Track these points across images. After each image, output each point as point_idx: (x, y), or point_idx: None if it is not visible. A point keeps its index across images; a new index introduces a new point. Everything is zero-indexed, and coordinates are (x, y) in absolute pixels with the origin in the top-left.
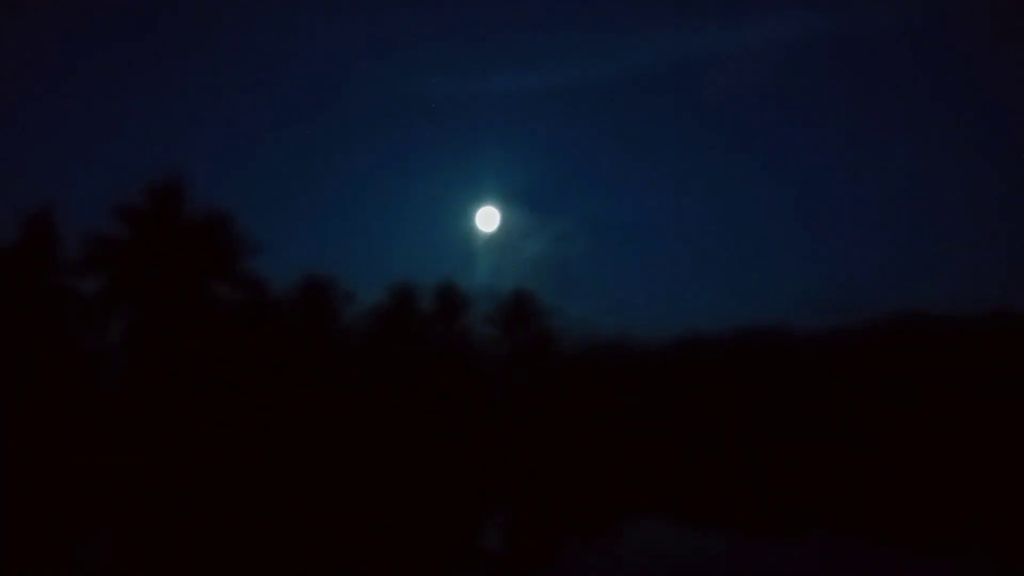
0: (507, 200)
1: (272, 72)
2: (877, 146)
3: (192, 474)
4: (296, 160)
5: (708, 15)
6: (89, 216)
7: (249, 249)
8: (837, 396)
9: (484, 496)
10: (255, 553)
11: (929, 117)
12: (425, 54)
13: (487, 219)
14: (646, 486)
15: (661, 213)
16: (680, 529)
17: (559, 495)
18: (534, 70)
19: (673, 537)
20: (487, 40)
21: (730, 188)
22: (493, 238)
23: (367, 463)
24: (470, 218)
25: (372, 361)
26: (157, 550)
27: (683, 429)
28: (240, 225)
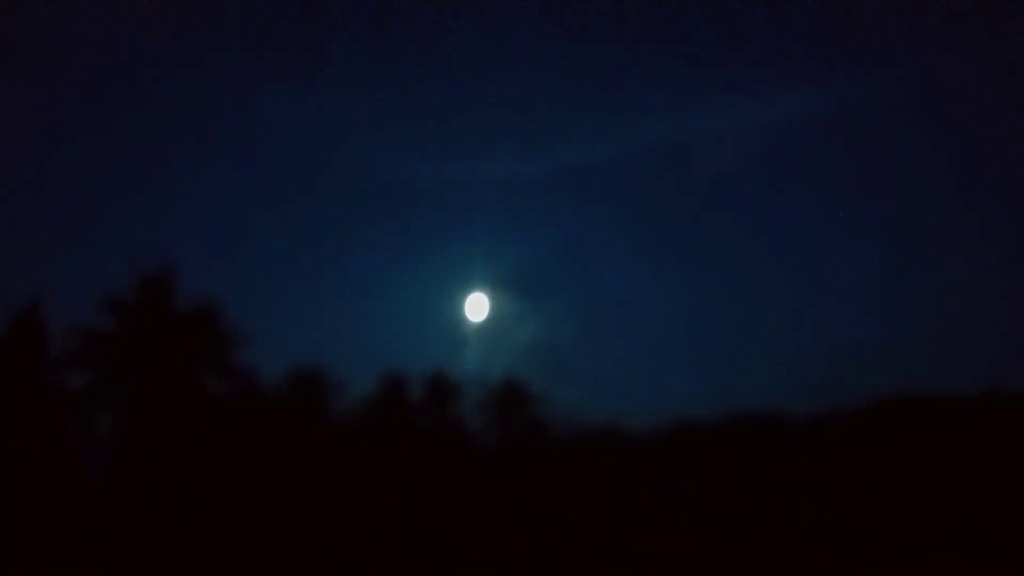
0: (497, 285)
1: (260, 158)
2: (869, 224)
3: (182, 566)
4: (284, 247)
5: (696, 97)
6: (74, 307)
7: (239, 340)
8: (833, 479)
9: None
10: None
11: (921, 196)
12: (413, 138)
13: (477, 305)
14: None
15: (652, 296)
16: None
17: None
18: (523, 155)
19: None
20: (476, 125)
21: (721, 270)
22: (483, 324)
23: (359, 551)
24: (460, 304)
25: (364, 450)
26: None
27: (676, 516)
28: (230, 316)
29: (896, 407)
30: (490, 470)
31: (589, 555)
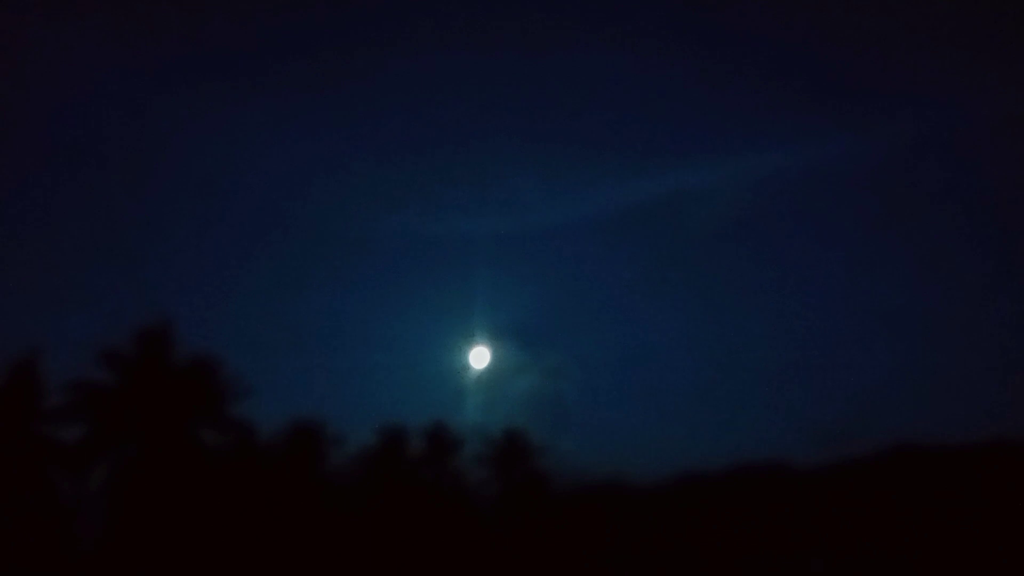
0: (497, 336)
1: (258, 211)
2: (870, 274)
3: None
4: (280, 301)
5: (689, 150)
6: (70, 360)
7: (237, 393)
8: (840, 528)
9: None
10: None
11: (923, 245)
12: (412, 194)
13: (477, 356)
14: None
15: (653, 346)
16: None
17: None
18: (521, 209)
19: None
20: (476, 181)
21: (721, 320)
22: (483, 375)
23: None
24: (460, 355)
25: (362, 504)
26: None
27: (682, 568)
28: (228, 369)
29: (903, 456)
30: (490, 524)
31: None
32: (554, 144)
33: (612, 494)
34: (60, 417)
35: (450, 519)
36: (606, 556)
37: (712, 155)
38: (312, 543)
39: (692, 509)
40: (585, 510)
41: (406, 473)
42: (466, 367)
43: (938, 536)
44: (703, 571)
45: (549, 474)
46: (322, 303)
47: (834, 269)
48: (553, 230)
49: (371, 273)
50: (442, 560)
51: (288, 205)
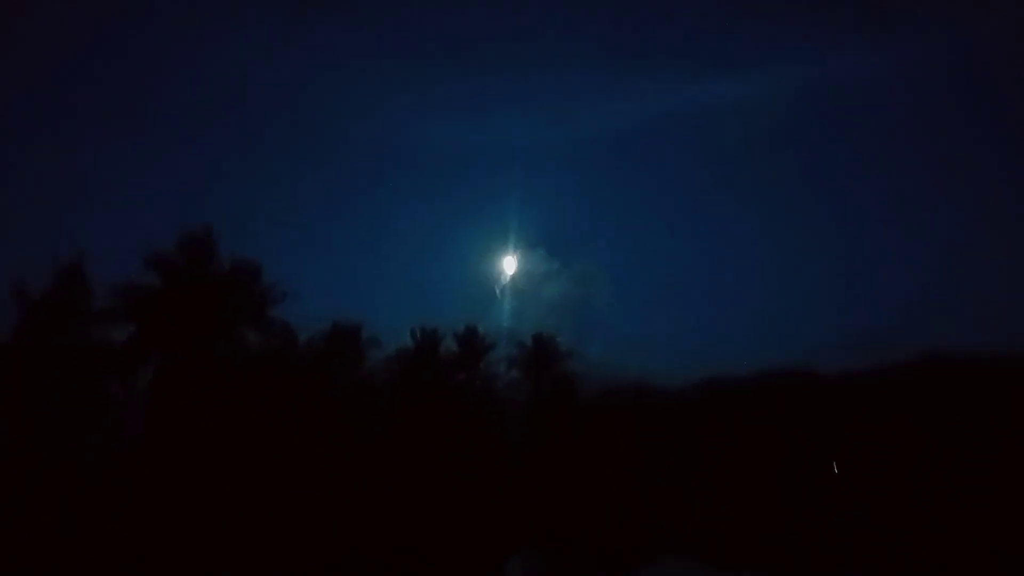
0: (528, 245)
1: (299, 121)
2: (904, 184)
3: (219, 520)
4: (322, 209)
5: (723, 61)
6: (111, 267)
7: (278, 297)
8: (865, 436)
9: (509, 538)
10: None
11: (957, 156)
12: (449, 104)
13: (509, 264)
14: (671, 528)
15: (683, 256)
16: (706, 572)
17: (584, 537)
18: (555, 120)
19: None
20: (513, 92)
21: (754, 230)
22: (514, 282)
23: (393, 505)
24: (493, 263)
25: (397, 404)
26: None
27: (707, 471)
28: (269, 274)
29: (934, 365)
30: (520, 423)
31: (620, 506)
32: (589, 56)
33: (639, 395)
34: (108, 319)
35: (481, 418)
36: (633, 454)
37: (746, 67)
38: (348, 441)
39: (717, 412)
40: (612, 412)
41: (439, 374)
42: (499, 274)
43: (964, 445)
44: (726, 470)
45: (578, 377)
46: (359, 211)
47: (867, 180)
48: (587, 141)
49: (408, 182)
50: (472, 457)
51: (326, 116)
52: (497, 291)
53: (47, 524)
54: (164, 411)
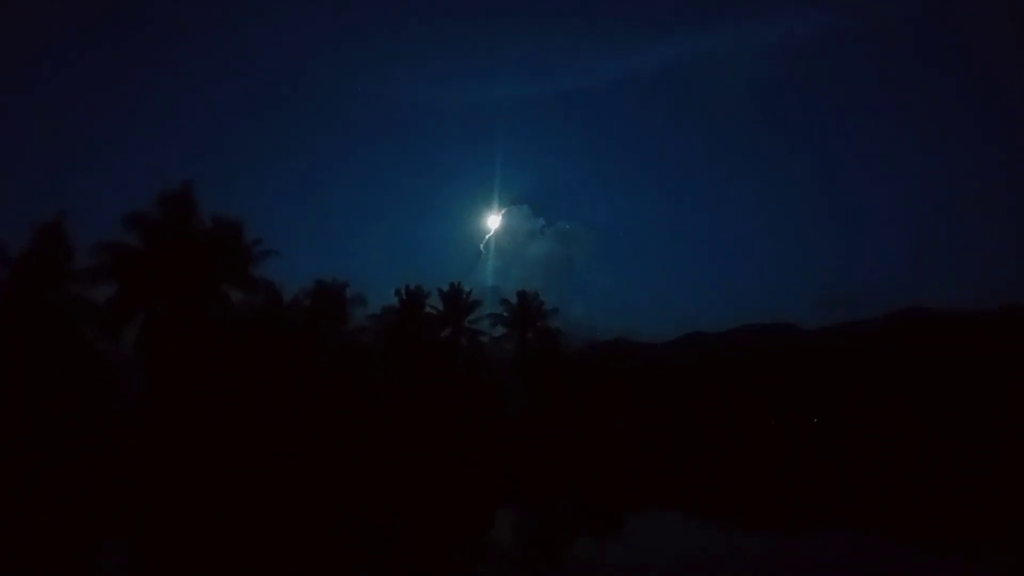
0: (512, 204)
1: (282, 81)
2: (881, 143)
3: (205, 477)
4: (306, 168)
5: (705, 17)
6: (95, 226)
7: (261, 255)
8: (843, 390)
9: (495, 492)
10: (267, 554)
11: (934, 114)
12: (431, 63)
13: (494, 222)
14: (654, 481)
15: (664, 214)
16: (689, 523)
17: (569, 491)
18: (537, 77)
19: (681, 531)
20: (490, 49)
21: (733, 188)
22: (499, 240)
23: (379, 462)
24: (477, 221)
25: (382, 361)
26: (170, 556)
27: (690, 423)
28: (253, 232)
29: (912, 319)
30: (506, 378)
31: (606, 460)
32: (570, 11)
33: (622, 350)
34: (89, 278)
35: (467, 373)
36: (617, 409)
37: (725, 23)
38: (333, 400)
39: (699, 366)
40: (596, 367)
41: (424, 330)
42: (483, 233)
43: (941, 396)
44: (707, 424)
45: (561, 334)
46: (342, 171)
47: (845, 135)
48: (569, 96)
49: (391, 139)
50: (459, 412)
51: (308, 76)
52: (482, 248)
53: (46, 485)
54: (160, 370)
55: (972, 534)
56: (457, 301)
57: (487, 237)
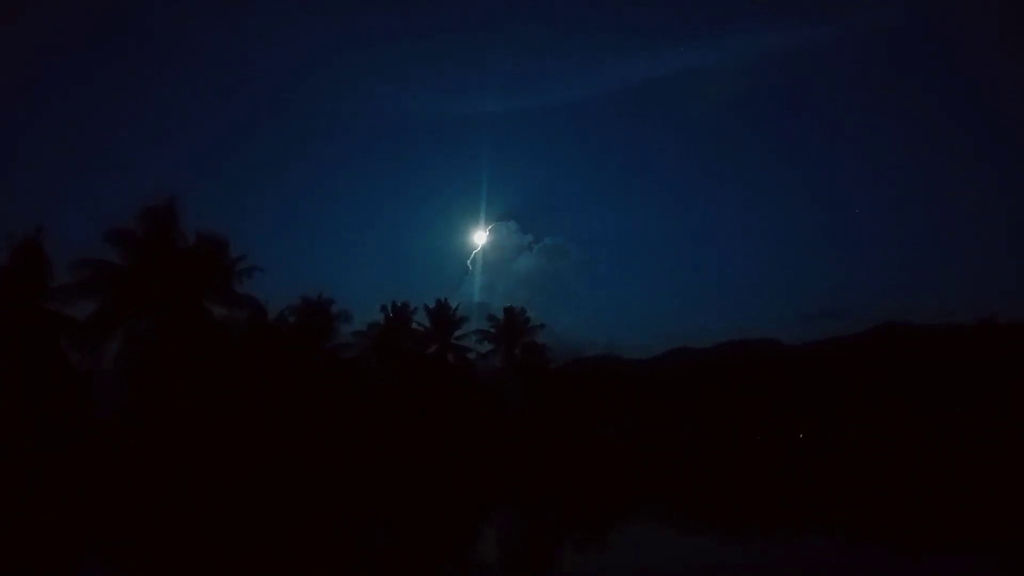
0: (499, 219)
1: (265, 96)
2: (864, 158)
3: (189, 492)
4: (290, 183)
5: (689, 31)
6: (74, 241)
7: (246, 271)
8: (826, 403)
9: (482, 504)
10: (257, 562)
11: (917, 128)
12: (417, 76)
13: (480, 238)
14: (640, 491)
15: (649, 229)
16: (675, 531)
17: (555, 501)
18: (523, 91)
19: (668, 539)
20: (477, 63)
21: (718, 203)
22: (486, 257)
23: (366, 476)
24: (463, 237)
25: (368, 378)
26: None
27: (674, 436)
28: (237, 248)
29: (891, 333)
30: (492, 393)
31: (587, 472)
32: (556, 25)
33: (608, 364)
34: (69, 294)
35: (452, 388)
36: (600, 422)
37: (710, 36)
38: (319, 413)
39: (682, 379)
40: (582, 381)
41: (411, 346)
42: (470, 249)
43: (924, 411)
44: (692, 435)
45: (548, 349)
46: (327, 186)
47: (830, 149)
48: (555, 111)
49: (377, 155)
50: (446, 427)
51: (294, 90)
52: (469, 264)
53: (22, 497)
54: (142, 385)
55: (956, 545)
56: (444, 317)
57: (474, 253)
